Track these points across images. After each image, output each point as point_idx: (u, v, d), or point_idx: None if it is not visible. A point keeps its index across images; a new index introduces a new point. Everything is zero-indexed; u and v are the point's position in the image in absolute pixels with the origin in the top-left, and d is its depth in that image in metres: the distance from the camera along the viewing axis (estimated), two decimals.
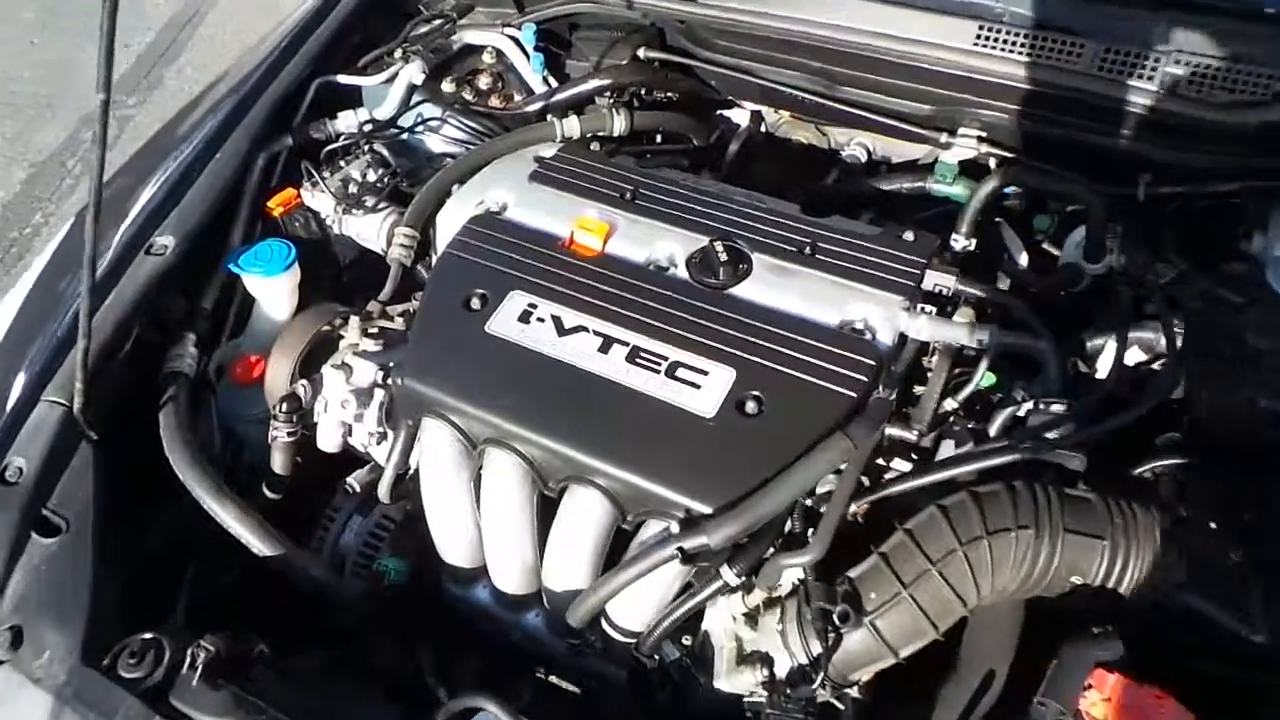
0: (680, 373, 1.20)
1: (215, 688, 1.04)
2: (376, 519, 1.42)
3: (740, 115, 1.89)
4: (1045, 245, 1.60)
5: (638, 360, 1.21)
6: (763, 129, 1.89)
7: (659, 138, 1.78)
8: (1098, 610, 1.06)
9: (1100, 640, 0.97)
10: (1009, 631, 1.13)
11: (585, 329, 1.25)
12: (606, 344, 1.23)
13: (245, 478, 1.43)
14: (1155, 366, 1.31)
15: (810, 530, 1.15)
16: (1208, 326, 1.24)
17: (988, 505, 1.07)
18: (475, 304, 1.29)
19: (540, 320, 1.27)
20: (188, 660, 1.05)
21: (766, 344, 1.21)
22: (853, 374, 1.18)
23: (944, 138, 1.57)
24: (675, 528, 1.10)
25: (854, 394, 1.16)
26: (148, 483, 1.31)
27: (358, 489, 1.40)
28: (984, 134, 1.55)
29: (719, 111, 1.89)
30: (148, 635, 1.08)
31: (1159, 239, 1.41)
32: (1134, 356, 1.38)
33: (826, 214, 1.45)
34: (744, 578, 1.09)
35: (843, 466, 1.12)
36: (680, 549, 1.07)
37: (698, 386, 1.18)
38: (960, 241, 1.43)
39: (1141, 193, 1.45)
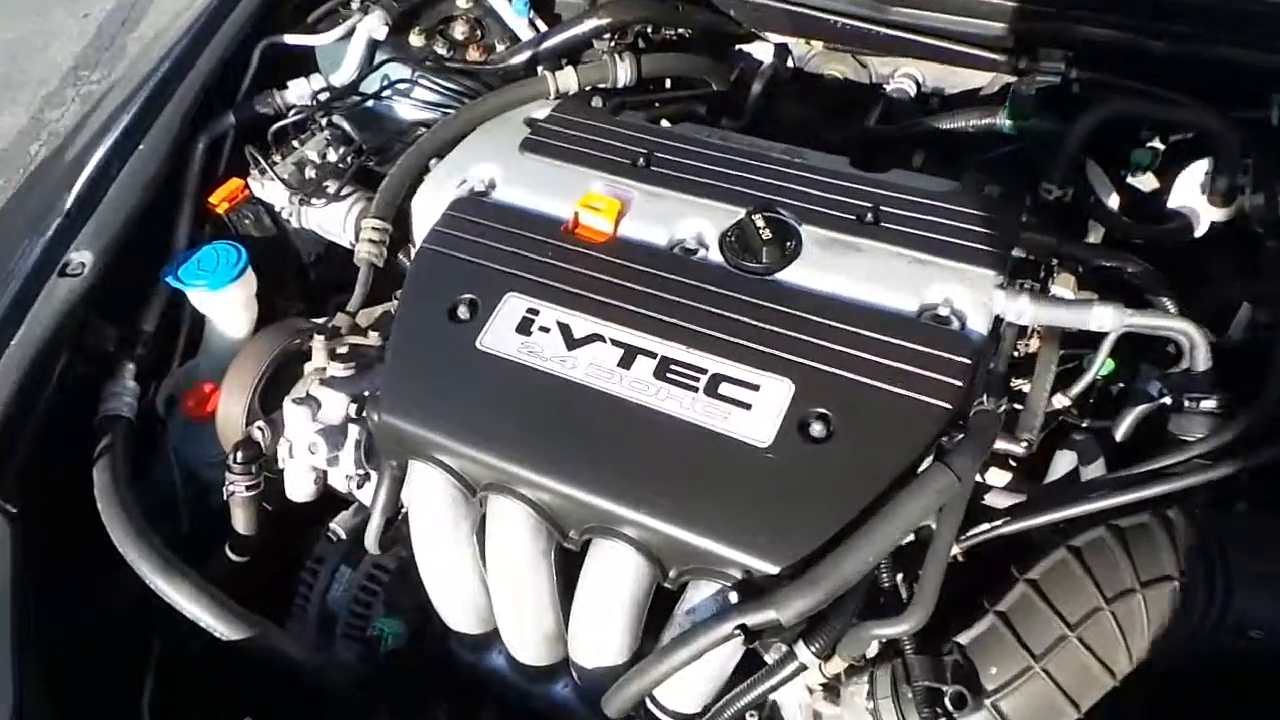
0: (724, 389, 0.95)
1: None
2: (367, 570, 1.21)
3: (763, 50, 1.60)
4: (1133, 182, 1.33)
5: (670, 375, 0.97)
6: (790, 64, 1.61)
7: (669, 84, 1.51)
8: None
9: None
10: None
11: (601, 338, 1.00)
12: (629, 356, 0.99)
13: (214, 527, 1.20)
14: None
15: (901, 578, 0.91)
16: None
17: (1138, 546, 0.83)
18: (463, 313, 1.05)
19: (544, 330, 1.02)
20: None
21: (829, 344, 0.96)
22: (943, 377, 0.92)
23: (1021, 62, 1.28)
24: (733, 595, 0.87)
25: (948, 404, 0.91)
26: (96, 545, 1.09)
27: (343, 536, 1.17)
28: (1070, 54, 1.26)
29: (737, 47, 1.61)
30: None
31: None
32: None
33: (883, 167, 1.19)
34: (821, 657, 0.85)
35: None
36: (742, 626, 0.84)
37: (748, 406, 0.94)
38: (1053, 191, 1.16)
39: (1276, 115, 1.17)
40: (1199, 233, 1.21)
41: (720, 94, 1.51)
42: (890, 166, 1.19)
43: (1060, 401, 1.01)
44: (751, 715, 0.96)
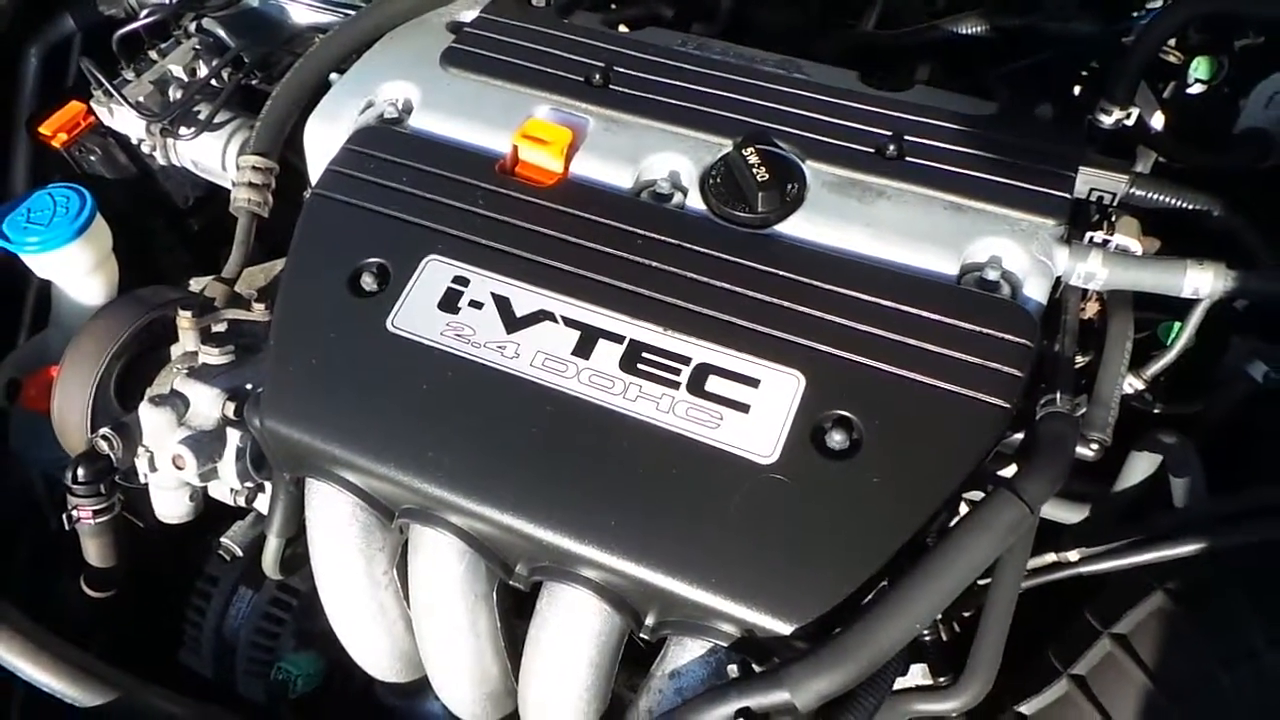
0: (714, 384, 0.73)
1: None
2: (270, 594, 0.98)
3: None
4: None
5: (642, 367, 0.74)
6: None
7: None
8: None
9: None
10: None
11: (551, 316, 0.77)
12: (588, 340, 0.76)
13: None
14: None
15: (940, 627, 0.72)
16: None
17: (1264, 591, 0.63)
18: (369, 282, 0.80)
19: (476, 305, 0.78)
20: None
21: (848, 322, 0.74)
22: (999, 365, 0.71)
23: None
24: (732, 666, 0.66)
25: (1006, 403, 0.69)
26: None
27: (238, 552, 0.94)
28: None
29: None
30: None
31: None
32: None
33: (901, 85, 0.95)
34: None
35: None
36: (746, 711, 0.63)
37: (745, 408, 0.71)
38: (1114, 113, 0.93)
39: None
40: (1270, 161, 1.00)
41: None
42: (905, 83, 0.96)
43: (1132, 384, 0.80)
44: None
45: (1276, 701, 0.61)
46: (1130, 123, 0.94)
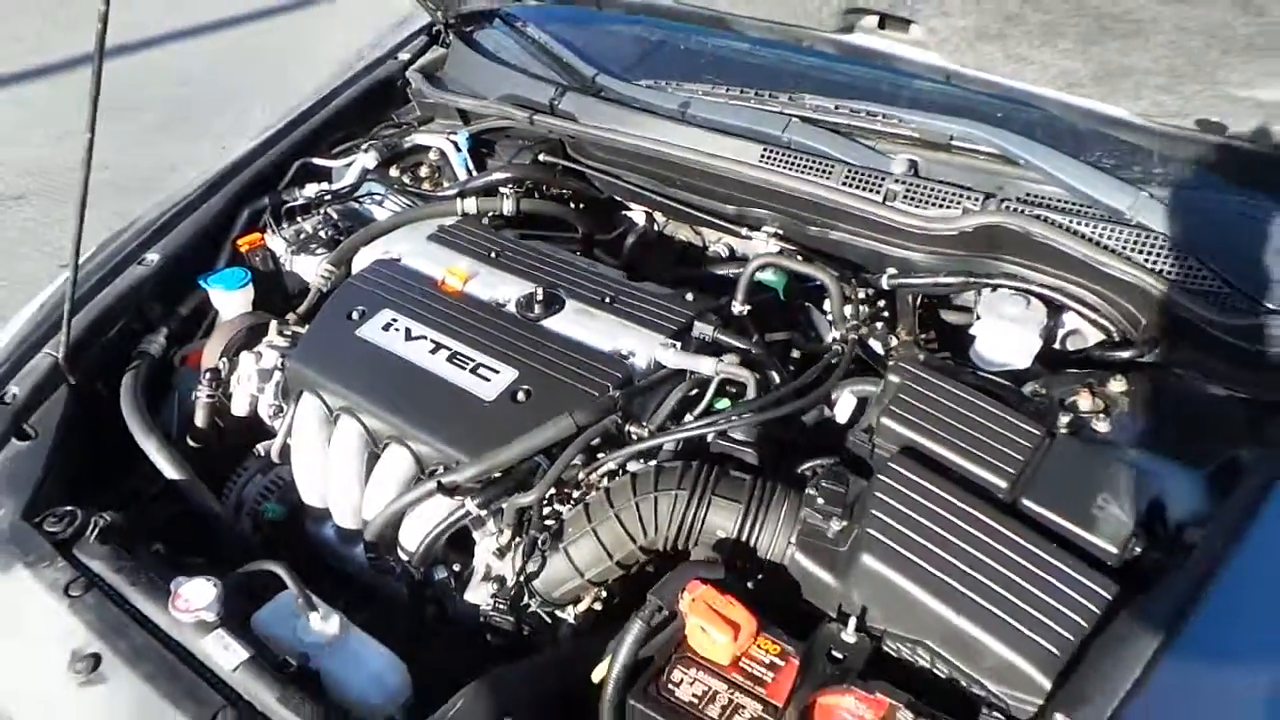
0: (480, 370, 1.63)
1: (103, 544, 1.47)
2: (272, 476, 1.87)
3: (639, 215, 2.37)
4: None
5: (454, 360, 1.66)
6: (656, 226, 2.37)
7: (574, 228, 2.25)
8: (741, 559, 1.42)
9: (706, 564, 1.33)
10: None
11: (425, 338, 1.71)
12: (436, 349, 1.68)
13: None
14: None
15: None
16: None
17: (664, 474, 1.45)
18: (355, 316, 1.77)
19: (396, 330, 1.73)
20: (91, 526, 1.49)
21: (550, 358, 1.64)
22: (601, 380, 1.59)
23: (745, 231, 2.01)
24: (442, 469, 1.52)
25: (597, 394, 1.57)
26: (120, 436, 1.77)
27: (263, 454, 1.85)
28: (780, 231, 1.98)
29: (623, 211, 2.38)
30: (68, 506, 1.53)
31: (896, 318, 1.82)
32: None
33: (644, 280, 1.89)
34: (484, 510, 1.48)
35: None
36: (439, 482, 1.48)
37: (488, 380, 1.61)
38: (736, 306, 1.84)
39: (886, 282, 1.85)
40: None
41: (597, 238, 2.23)
42: (649, 279, 1.89)
43: (690, 418, 1.65)
44: (457, 566, 1.58)
45: (652, 519, 1.41)
46: (744, 314, 1.85)
